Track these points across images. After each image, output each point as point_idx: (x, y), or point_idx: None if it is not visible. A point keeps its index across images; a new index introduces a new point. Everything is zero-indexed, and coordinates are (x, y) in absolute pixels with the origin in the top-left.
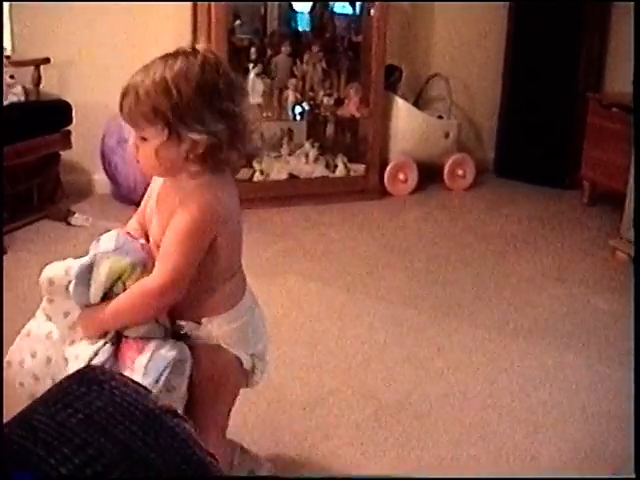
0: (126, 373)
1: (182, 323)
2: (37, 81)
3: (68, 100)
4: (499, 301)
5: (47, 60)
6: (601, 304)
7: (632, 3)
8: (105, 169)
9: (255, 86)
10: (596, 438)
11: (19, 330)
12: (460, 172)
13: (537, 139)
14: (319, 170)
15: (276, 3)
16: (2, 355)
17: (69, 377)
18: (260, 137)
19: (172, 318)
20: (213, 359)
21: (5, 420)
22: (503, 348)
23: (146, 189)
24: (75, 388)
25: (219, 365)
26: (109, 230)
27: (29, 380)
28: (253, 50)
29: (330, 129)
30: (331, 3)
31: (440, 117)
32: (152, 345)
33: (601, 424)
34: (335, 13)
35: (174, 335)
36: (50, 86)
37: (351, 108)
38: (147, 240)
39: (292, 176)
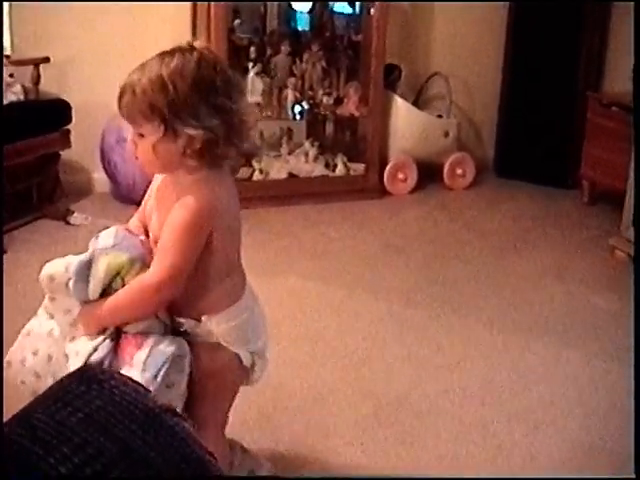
0: (125, 369)
1: (182, 320)
2: (36, 80)
3: (67, 99)
4: (499, 299)
5: (47, 59)
6: (600, 303)
7: (632, 3)
8: (104, 168)
9: (255, 85)
10: (595, 435)
11: (19, 329)
12: (460, 171)
13: (537, 138)
14: (319, 169)
15: (276, 2)
16: (2, 355)
17: (69, 376)
18: (259, 136)
19: (172, 315)
20: (213, 357)
21: (5, 419)
22: (503, 346)
23: (146, 188)
24: (75, 387)
25: (218, 363)
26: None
27: (30, 378)
28: (253, 49)
29: (330, 128)
30: (331, 2)
31: (440, 116)
32: (151, 341)
33: (600, 421)
34: (335, 12)
35: (174, 332)
36: (49, 85)
37: (351, 107)
38: (148, 237)
39: (292, 175)
